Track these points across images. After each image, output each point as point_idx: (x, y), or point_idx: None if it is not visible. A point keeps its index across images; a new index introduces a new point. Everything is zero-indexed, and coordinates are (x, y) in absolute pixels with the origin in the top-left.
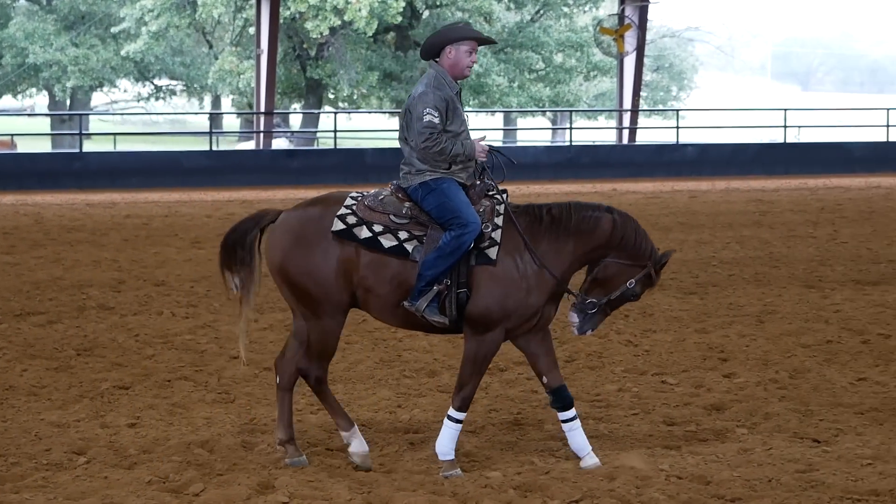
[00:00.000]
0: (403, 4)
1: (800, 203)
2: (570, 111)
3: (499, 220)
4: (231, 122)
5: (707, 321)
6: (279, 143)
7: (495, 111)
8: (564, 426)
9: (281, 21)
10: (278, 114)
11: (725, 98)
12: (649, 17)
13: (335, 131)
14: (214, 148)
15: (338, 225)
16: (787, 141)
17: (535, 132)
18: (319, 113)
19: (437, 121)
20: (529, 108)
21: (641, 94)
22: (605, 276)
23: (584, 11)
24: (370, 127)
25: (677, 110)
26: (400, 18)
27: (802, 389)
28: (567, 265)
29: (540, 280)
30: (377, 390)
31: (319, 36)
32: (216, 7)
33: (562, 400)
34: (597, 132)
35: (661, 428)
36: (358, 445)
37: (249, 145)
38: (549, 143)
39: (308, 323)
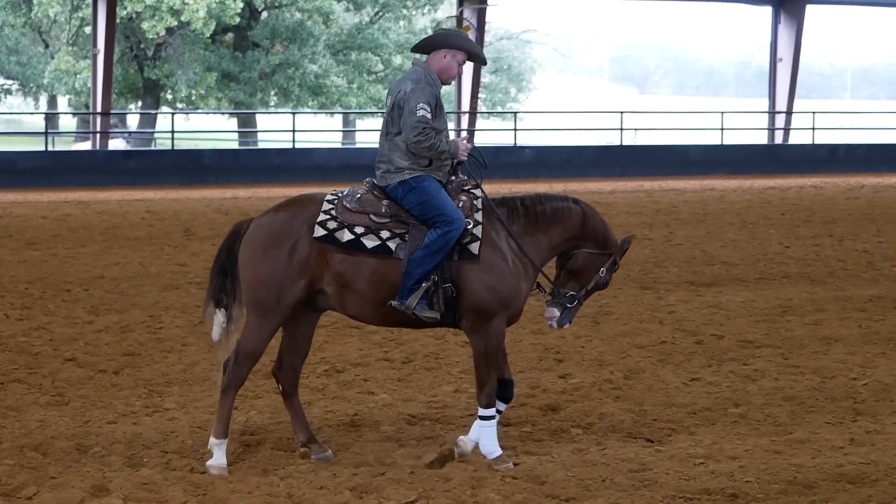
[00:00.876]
0: (241, 5)
1: (636, 205)
2: None
3: (478, 216)
4: (67, 123)
5: (543, 322)
6: (116, 144)
7: (334, 112)
8: (479, 422)
9: (118, 21)
10: (115, 114)
11: (563, 100)
12: (487, 19)
13: (172, 132)
14: (50, 148)
15: (319, 231)
16: (624, 143)
17: (374, 133)
18: (157, 113)
19: (429, 116)
20: (369, 110)
21: (480, 96)
22: (578, 268)
23: (423, 13)
24: (208, 128)
25: (515, 112)
26: (238, 19)
27: (637, 390)
28: (543, 255)
29: (525, 269)
30: (214, 393)
31: (156, 36)
32: (52, 6)
33: (504, 393)
34: None
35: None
36: (216, 461)
37: (86, 146)
38: None
39: (250, 321)
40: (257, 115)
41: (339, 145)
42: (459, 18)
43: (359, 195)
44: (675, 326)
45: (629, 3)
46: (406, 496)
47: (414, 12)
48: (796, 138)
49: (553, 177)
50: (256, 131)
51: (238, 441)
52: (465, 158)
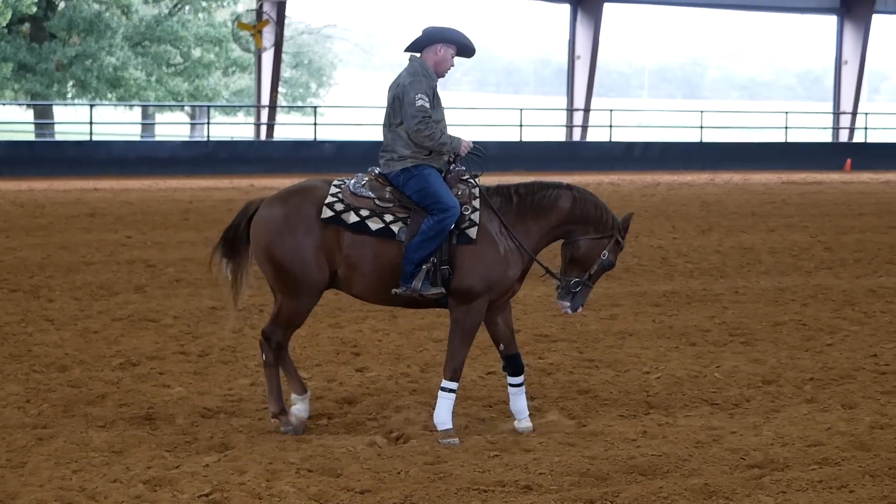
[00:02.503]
0: None
1: None
2: (209, 106)
3: (476, 203)
4: None
5: (341, 316)
6: None
7: (133, 105)
8: (511, 389)
9: None
10: None
11: (364, 96)
12: (288, 13)
13: None
14: None
15: (326, 212)
16: None
17: (173, 127)
18: None
19: (427, 105)
20: (167, 103)
21: (280, 90)
22: (579, 255)
23: (223, 6)
24: (4, 119)
25: (315, 107)
26: (35, 9)
27: (433, 383)
28: (536, 241)
29: (516, 256)
30: (5, 385)
31: None
32: None
33: (514, 366)
34: (235, 128)
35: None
36: (300, 410)
37: None
38: (186, 139)
39: (283, 299)
40: (54, 107)
41: (137, 138)
42: (259, 12)
43: (364, 181)
44: None
45: None
46: (200, 489)
47: (214, 5)
48: (594, 136)
49: (352, 171)
50: (53, 123)
51: (30, 434)
52: (464, 155)
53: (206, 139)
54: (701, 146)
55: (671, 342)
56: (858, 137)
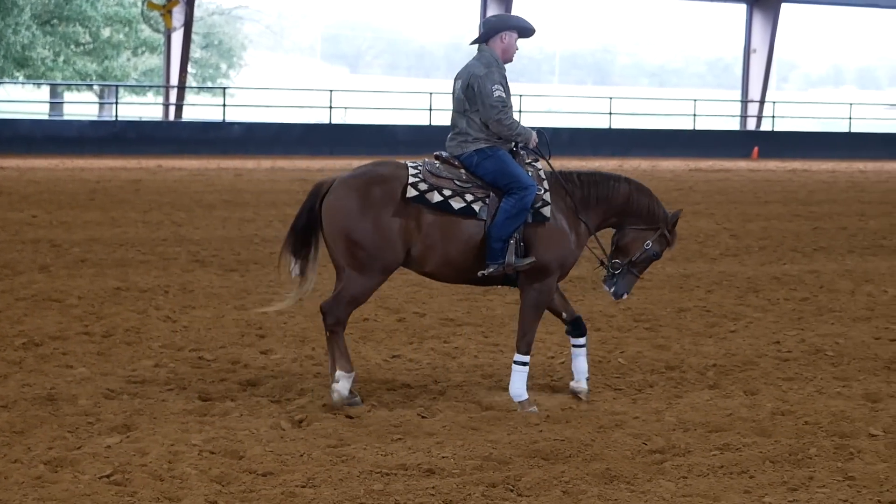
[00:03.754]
0: None
1: None
2: (117, 86)
3: (545, 184)
4: None
5: (247, 298)
6: None
7: (41, 83)
8: (574, 350)
9: None
10: None
11: (274, 77)
12: None
13: None
14: None
15: (411, 192)
16: (333, 122)
17: (81, 106)
18: None
19: (504, 95)
20: (75, 82)
21: (190, 71)
22: (624, 243)
23: None
24: None
25: (225, 88)
26: None
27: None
28: (595, 225)
29: (582, 234)
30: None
31: None
32: None
33: (579, 328)
34: (144, 108)
35: (195, 403)
36: (343, 387)
37: None
38: (95, 118)
39: (351, 277)
40: None
41: (45, 117)
42: None
43: (437, 164)
44: (378, 304)
45: None
46: (102, 470)
47: None
48: None
49: (261, 153)
50: None
51: None
52: (533, 147)
53: (114, 119)
54: (610, 132)
55: None
56: (766, 126)
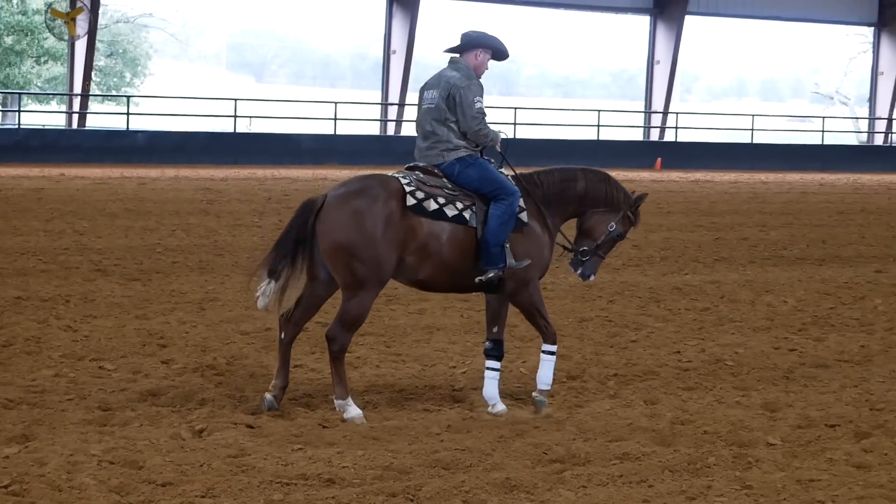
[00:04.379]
0: None
1: (247, 193)
2: (20, 94)
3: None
4: None
5: (148, 307)
6: None
7: None
8: (487, 373)
9: None
10: None
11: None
12: (103, 1)
13: None
14: None
15: (411, 200)
16: (238, 131)
17: None
18: None
19: (484, 108)
20: None
21: (94, 79)
22: (587, 226)
23: None
24: None
25: (128, 96)
26: None
27: (239, 376)
28: (560, 220)
29: (551, 232)
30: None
31: None
32: None
33: (498, 351)
34: (48, 116)
35: (95, 413)
36: (353, 410)
37: None
38: None
39: (351, 296)
40: None
41: None
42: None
43: (418, 173)
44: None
45: None
46: (0, 481)
47: None
48: (409, 130)
49: (165, 162)
50: None
51: None
52: (500, 150)
53: (16, 127)
54: (515, 143)
55: (478, 337)
56: (669, 136)
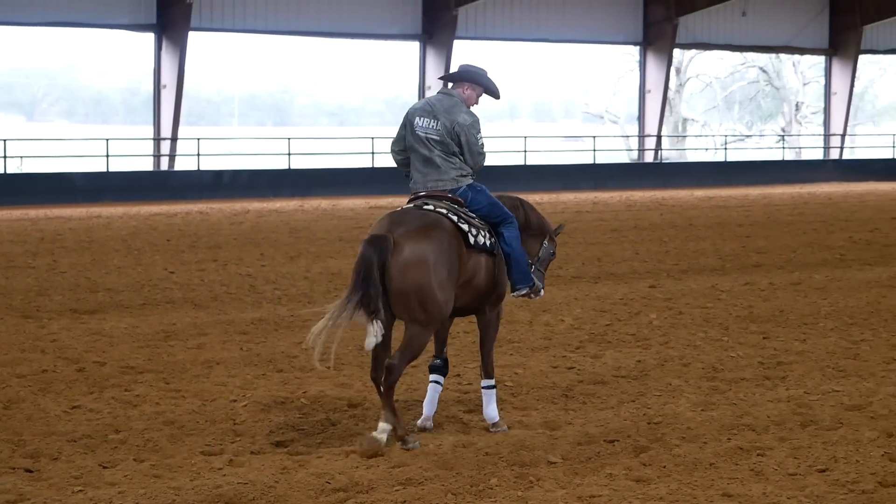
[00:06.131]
0: None
1: (20, 233)
2: None
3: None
4: None
5: None
6: None
7: None
8: (431, 386)
9: None
10: None
11: None
12: None
13: None
14: None
15: (469, 238)
16: (8, 172)
17: None
18: None
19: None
20: None
21: None
22: (527, 247)
23: None
24: None
25: None
26: None
27: (16, 420)
28: None
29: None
30: None
31: None
32: None
33: (445, 367)
34: None
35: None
36: (381, 432)
37: None
38: None
39: (417, 331)
40: None
41: None
42: None
43: (444, 202)
44: (57, 354)
45: (12, 28)
46: None
47: None
48: (182, 164)
49: None
50: None
51: None
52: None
53: None
54: (289, 173)
55: (259, 369)
56: None
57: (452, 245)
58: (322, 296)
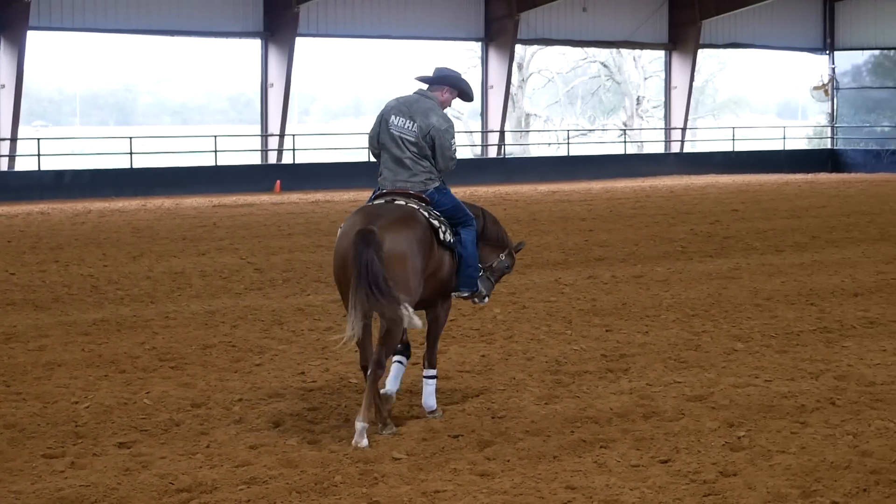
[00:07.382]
0: None
1: None
2: None
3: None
4: None
5: None
6: None
7: None
8: (393, 367)
9: None
10: None
11: None
12: None
13: None
14: None
15: (440, 234)
16: None
17: None
18: None
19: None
20: None
21: None
22: (482, 254)
23: None
24: None
25: None
26: None
27: None
28: None
29: None
30: None
31: None
32: None
33: (407, 350)
34: None
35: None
36: (360, 436)
37: None
38: None
39: (392, 322)
40: None
41: None
42: None
43: (412, 200)
44: None
45: None
46: None
47: None
48: (22, 165)
49: None
50: None
51: None
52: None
53: None
54: (131, 172)
55: (101, 370)
56: (287, 159)
57: (426, 238)
58: (165, 295)
